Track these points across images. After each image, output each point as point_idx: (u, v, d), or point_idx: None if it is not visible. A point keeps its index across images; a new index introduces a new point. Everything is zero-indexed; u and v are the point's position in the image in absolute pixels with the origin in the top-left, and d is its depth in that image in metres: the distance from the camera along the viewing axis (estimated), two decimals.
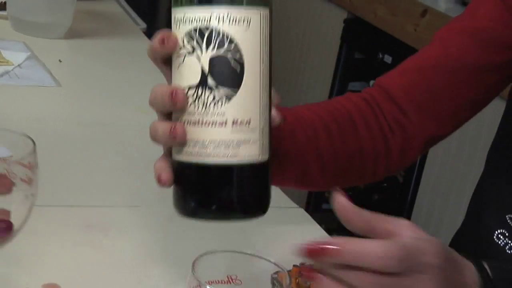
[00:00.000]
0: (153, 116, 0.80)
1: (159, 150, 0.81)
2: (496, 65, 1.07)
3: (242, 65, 0.75)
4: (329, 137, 1.03)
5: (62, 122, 1.41)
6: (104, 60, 1.80)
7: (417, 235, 0.72)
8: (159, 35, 0.77)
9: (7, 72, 1.60)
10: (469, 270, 0.77)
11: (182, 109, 0.76)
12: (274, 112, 0.78)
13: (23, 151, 0.77)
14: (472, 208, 1.17)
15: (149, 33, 2.23)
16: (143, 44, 1.91)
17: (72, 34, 1.88)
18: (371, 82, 2.75)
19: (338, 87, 2.98)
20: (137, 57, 1.78)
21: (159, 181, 0.78)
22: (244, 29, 0.75)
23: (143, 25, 2.25)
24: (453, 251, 0.76)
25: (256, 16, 0.75)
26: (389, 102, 1.09)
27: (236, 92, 0.75)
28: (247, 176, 0.77)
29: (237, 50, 0.75)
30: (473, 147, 2.31)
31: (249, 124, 0.76)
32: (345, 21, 2.98)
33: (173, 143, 0.76)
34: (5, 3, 1.96)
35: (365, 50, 2.93)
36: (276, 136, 0.83)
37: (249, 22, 0.75)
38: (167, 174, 0.78)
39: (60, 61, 1.73)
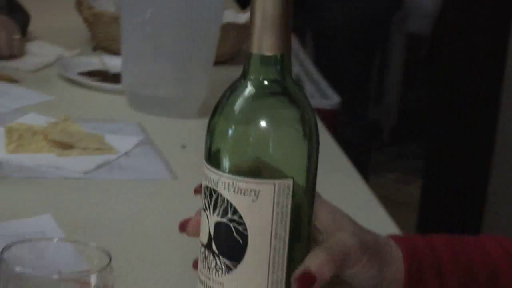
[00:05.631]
0: None
1: None
2: None
3: (245, 238, 0.70)
4: None
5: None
6: None
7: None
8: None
9: (108, 163, 1.27)
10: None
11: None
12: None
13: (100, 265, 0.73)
14: None
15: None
16: None
17: (203, 111, 1.46)
18: None
19: None
20: None
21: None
22: (250, 201, 0.69)
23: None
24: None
25: (267, 189, 0.69)
26: None
27: (236, 265, 0.70)
28: None
29: (240, 221, 0.70)
30: None
31: None
32: None
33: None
34: (117, 75, 1.60)
35: None
36: None
37: (257, 194, 0.69)
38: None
39: (183, 146, 1.38)
